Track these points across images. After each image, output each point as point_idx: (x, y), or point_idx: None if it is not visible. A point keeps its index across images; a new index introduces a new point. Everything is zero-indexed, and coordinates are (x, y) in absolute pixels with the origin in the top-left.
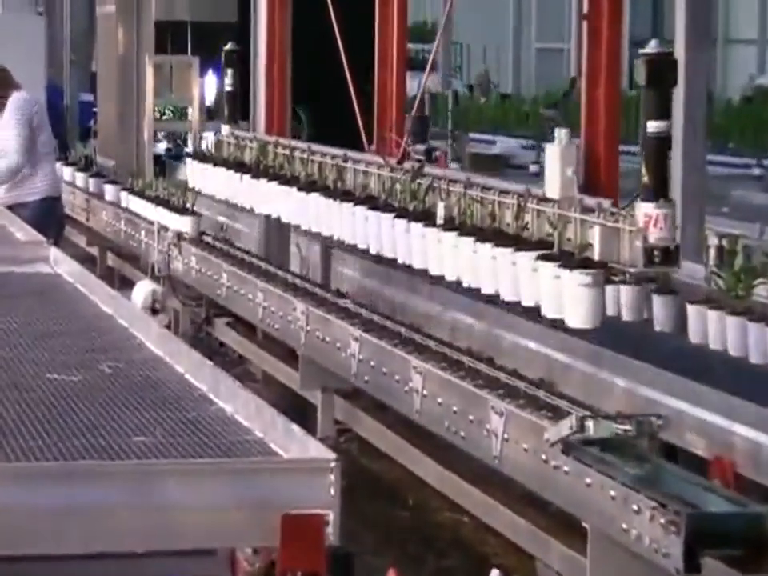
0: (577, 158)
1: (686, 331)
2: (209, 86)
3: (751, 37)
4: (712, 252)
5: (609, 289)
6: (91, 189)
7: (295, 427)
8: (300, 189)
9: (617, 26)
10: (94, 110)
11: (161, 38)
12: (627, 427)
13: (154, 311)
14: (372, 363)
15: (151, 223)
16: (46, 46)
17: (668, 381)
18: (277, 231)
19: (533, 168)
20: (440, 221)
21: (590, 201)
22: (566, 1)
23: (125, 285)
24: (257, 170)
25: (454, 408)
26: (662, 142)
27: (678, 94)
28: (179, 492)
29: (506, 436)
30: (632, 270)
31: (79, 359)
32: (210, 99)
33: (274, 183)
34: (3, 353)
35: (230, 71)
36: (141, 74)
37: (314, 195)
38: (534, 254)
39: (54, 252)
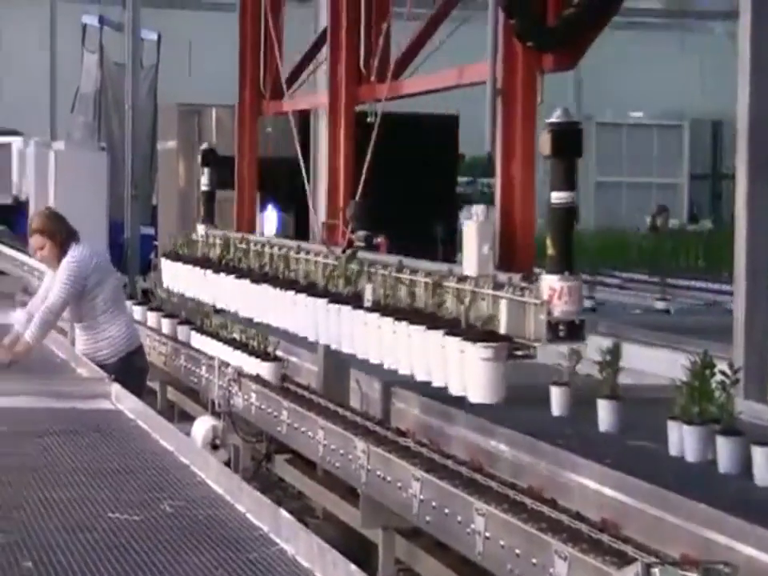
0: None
1: (751, 473)
2: (269, 220)
3: None
4: None
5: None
6: (151, 323)
7: (356, 570)
8: (253, 281)
9: (532, 100)
10: (155, 243)
11: (221, 172)
12: (694, 575)
13: (215, 447)
14: (433, 504)
15: (211, 359)
16: (107, 180)
17: (734, 525)
18: (337, 367)
19: None
20: (367, 303)
21: (504, 276)
22: (624, 136)
23: (184, 419)
24: (218, 265)
25: (517, 551)
26: (567, 213)
27: (740, 231)
28: None
29: None
30: (536, 344)
31: (140, 498)
32: (270, 232)
33: (231, 277)
34: (65, 492)
35: (206, 170)
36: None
37: (264, 286)
38: (443, 330)
39: (116, 388)
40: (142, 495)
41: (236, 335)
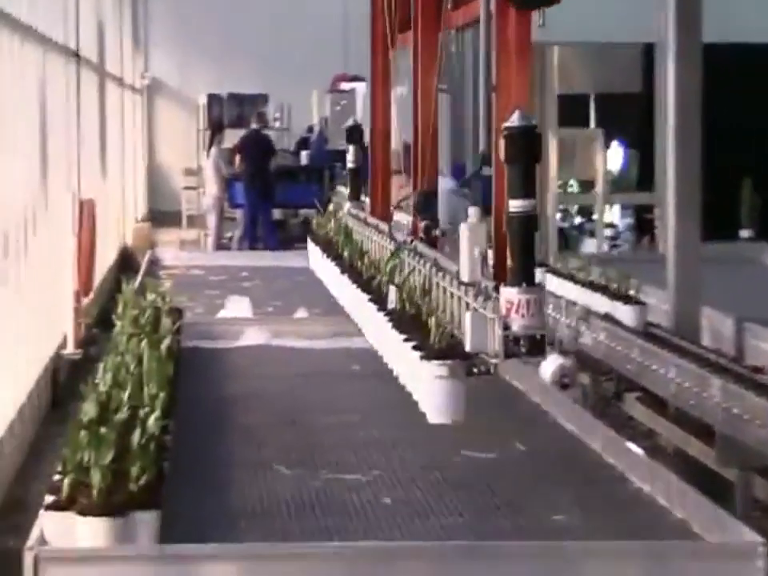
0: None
1: None
2: (614, 158)
3: None
4: None
5: None
6: None
7: (718, 509)
8: (342, 270)
9: (525, 96)
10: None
11: (564, 111)
12: None
13: (563, 386)
14: None
15: (558, 298)
16: (449, 122)
17: None
18: (688, 305)
19: None
20: (391, 304)
21: (487, 283)
22: None
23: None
24: (328, 247)
25: None
26: (526, 222)
27: None
28: (598, 574)
29: None
30: (494, 360)
31: (494, 436)
32: (615, 169)
33: (331, 262)
34: (419, 431)
35: (351, 148)
36: (544, 148)
37: (345, 276)
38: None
39: None
40: (495, 434)
41: (594, 277)
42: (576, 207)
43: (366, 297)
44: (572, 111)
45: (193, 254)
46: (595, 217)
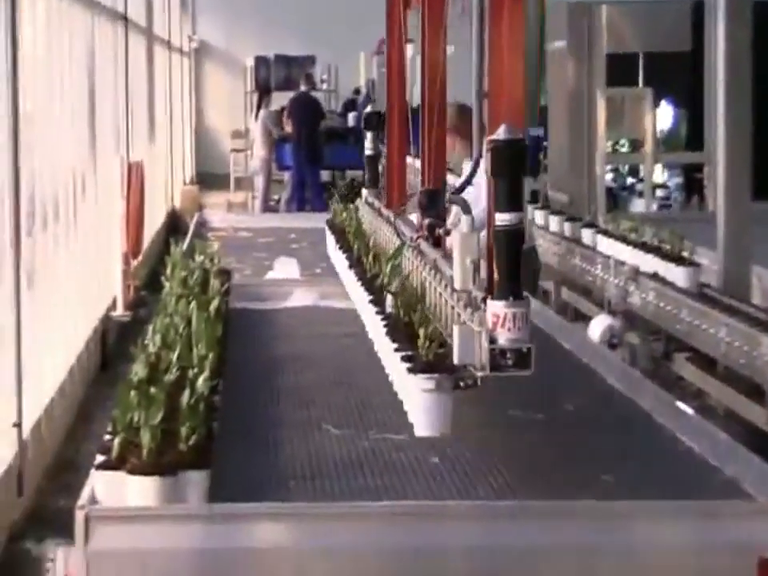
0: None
1: None
2: (663, 117)
3: None
4: None
5: None
6: (552, 227)
7: (766, 466)
8: (350, 264)
9: (518, 105)
10: (544, 144)
11: (612, 70)
12: None
13: (612, 346)
14: None
15: (607, 257)
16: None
17: None
18: (737, 264)
19: None
20: (388, 309)
21: (477, 294)
22: None
23: (579, 318)
24: (342, 236)
25: None
26: (512, 235)
27: None
28: (647, 533)
29: None
30: (480, 373)
31: (541, 396)
32: (664, 130)
33: (339, 251)
34: (466, 390)
35: (369, 134)
36: (592, 108)
37: (352, 271)
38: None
39: None
40: (543, 394)
41: (647, 238)
42: (627, 167)
43: (366, 297)
44: (621, 70)
45: (241, 216)
46: (644, 176)
